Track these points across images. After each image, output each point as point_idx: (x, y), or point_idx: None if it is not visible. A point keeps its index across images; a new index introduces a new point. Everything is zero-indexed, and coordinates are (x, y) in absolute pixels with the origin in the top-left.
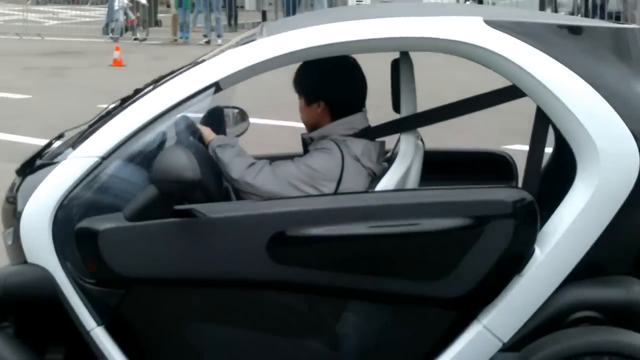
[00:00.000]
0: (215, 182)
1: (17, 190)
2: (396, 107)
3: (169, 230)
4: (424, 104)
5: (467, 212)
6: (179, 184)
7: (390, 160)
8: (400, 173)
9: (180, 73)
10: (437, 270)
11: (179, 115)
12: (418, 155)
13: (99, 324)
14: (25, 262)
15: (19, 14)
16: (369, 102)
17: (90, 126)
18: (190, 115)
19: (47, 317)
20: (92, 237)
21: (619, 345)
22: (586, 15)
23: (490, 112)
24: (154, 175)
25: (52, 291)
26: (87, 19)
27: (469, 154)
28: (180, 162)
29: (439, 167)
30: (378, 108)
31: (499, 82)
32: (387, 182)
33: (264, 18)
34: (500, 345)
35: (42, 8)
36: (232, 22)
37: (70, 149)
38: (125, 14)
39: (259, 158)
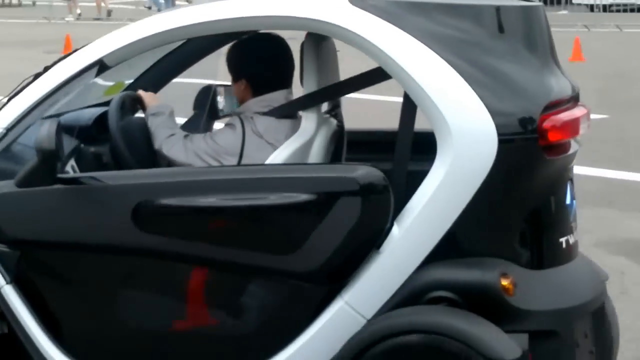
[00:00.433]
0: (148, 150)
1: None
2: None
3: (48, 196)
4: None
5: (317, 188)
6: (41, 153)
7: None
8: (292, 149)
9: (76, 51)
10: (292, 244)
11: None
12: (323, 132)
13: (7, 282)
14: None
15: None
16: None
17: (7, 100)
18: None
19: None
20: None
21: (440, 327)
22: None
23: None
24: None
25: None
26: None
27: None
28: (42, 133)
29: (368, 147)
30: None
31: None
32: (275, 157)
33: None
34: (363, 322)
35: None
36: None
37: None
38: None
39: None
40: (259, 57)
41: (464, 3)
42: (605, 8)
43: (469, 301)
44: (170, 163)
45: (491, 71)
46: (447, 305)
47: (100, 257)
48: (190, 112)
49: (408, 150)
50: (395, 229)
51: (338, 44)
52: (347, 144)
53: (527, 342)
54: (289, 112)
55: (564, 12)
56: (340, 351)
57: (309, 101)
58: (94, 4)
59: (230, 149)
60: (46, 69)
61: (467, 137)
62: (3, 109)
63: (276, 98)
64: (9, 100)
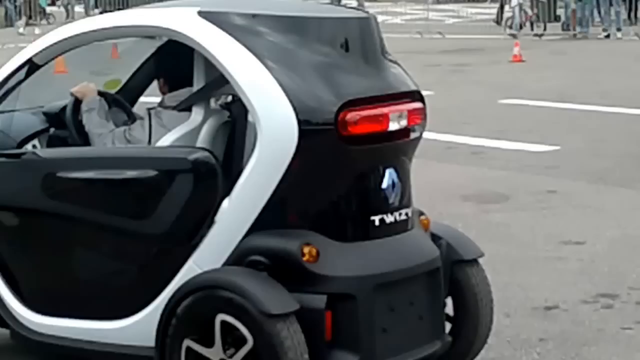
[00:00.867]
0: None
1: None
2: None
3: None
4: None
5: (163, 166)
6: None
7: None
8: (179, 134)
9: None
10: (148, 210)
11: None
12: (211, 122)
13: None
14: None
15: (421, 13)
16: None
17: None
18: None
19: None
20: None
21: (227, 283)
22: None
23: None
24: None
25: None
26: (486, 16)
27: None
28: None
29: None
30: None
31: None
32: (164, 140)
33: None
34: None
35: (443, 7)
36: (633, 15)
37: None
38: (523, 10)
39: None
40: (170, 58)
41: (286, 15)
42: None
43: (276, 265)
44: None
45: (300, 72)
46: (263, 267)
47: (29, 219)
48: None
49: (243, 138)
50: (225, 203)
51: None
52: None
53: (324, 302)
54: (186, 105)
55: None
56: (173, 295)
57: (195, 97)
58: None
59: (141, 138)
60: None
61: (273, 126)
62: None
63: (183, 94)
64: None
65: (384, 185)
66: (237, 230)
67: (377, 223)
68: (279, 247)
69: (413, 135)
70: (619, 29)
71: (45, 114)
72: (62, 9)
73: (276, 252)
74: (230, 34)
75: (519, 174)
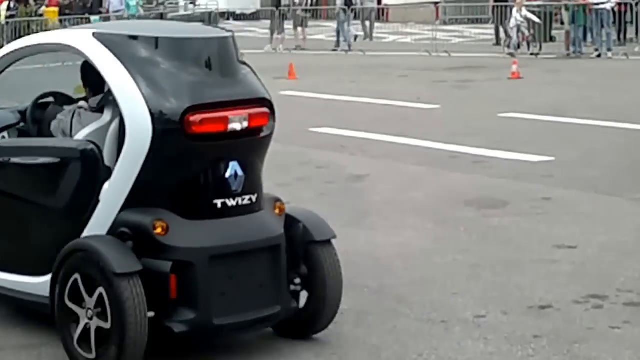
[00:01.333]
0: (48, 130)
1: None
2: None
3: None
4: None
5: (59, 154)
6: None
7: None
8: (90, 130)
9: None
10: (51, 188)
11: None
12: (118, 121)
13: None
14: None
15: (429, 33)
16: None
17: None
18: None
19: None
20: None
21: (85, 247)
22: None
23: None
24: None
25: None
26: (488, 37)
27: None
28: None
29: None
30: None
31: None
32: (80, 134)
33: None
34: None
35: (449, 27)
36: (622, 36)
37: None
38: (520, 31)
39: None
40: (89, 70)
41: (159, 36)
42: None
43: (136, 236)
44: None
45: (160, 83)
46: (127, 238)
47: None
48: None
49: (117, 131)
50: (106, 185)
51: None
52: None
53: (169, 267)
54: (97, 106)
55: None
56: (58, 260)
57: (102, 100)
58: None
59: (66, 131)
60: None
61: (135, 126)
62: None
63: (99, 98)
64: None
65: (227, 174)
66: (114, 207)
67: (219, 206)
68: (138, 221)
69: (262, 134)
70: (609, 49)
71: (19, 111)
72: None
73: (136, 225)
74: (112, 52)
75: (516, 182)
